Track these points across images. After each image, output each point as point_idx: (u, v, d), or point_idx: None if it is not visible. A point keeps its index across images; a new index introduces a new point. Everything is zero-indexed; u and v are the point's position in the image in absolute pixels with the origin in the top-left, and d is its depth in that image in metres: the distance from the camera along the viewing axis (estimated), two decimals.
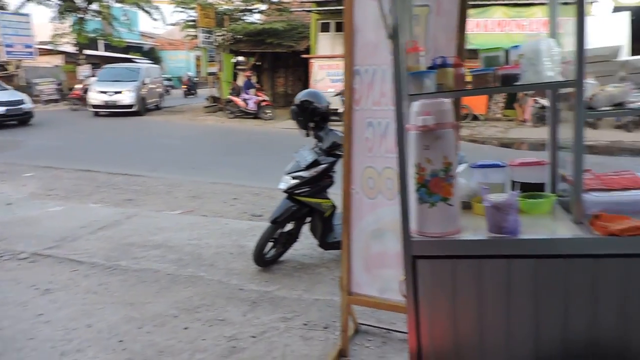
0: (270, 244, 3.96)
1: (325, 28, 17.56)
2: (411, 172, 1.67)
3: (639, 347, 1.54)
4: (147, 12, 25.03)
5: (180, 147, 11.32)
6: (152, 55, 32.62)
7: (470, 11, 14.13)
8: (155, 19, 28.52)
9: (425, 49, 2.10)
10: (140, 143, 11.98)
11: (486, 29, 14.13)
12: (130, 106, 17.50)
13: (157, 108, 19.94)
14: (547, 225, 1.70)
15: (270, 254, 3.99)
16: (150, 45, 36.04)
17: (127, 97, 17.43)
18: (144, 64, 21.63)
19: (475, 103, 14.17)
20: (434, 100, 1.67)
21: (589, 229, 1.57)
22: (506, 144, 11.64)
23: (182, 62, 37.60)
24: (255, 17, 22.02)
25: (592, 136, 12.05)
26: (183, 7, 21.17)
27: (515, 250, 1.58)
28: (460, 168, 2.16)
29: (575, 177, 1.61)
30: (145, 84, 18.65)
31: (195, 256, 4.27)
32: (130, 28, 27.39)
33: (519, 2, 13.72)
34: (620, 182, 1.79)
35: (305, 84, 16.24)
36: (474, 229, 1.69)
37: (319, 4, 17.08)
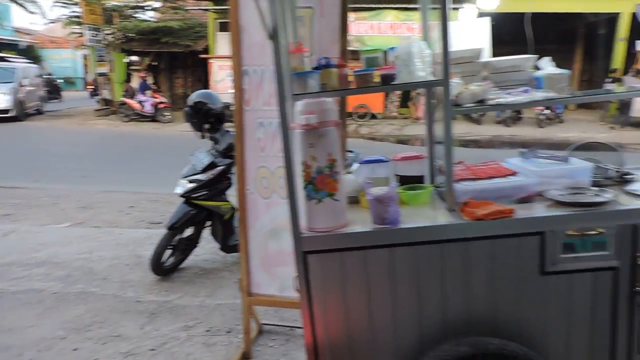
0: (168, 252, 3.80)
1: (223, 27, 17.20)
2: (298, 170, 1.71)
3: (507, 318, 1.72)
4: (20, 5, 22.57)
5: (68, 155, 10.41)
6: (30, 53, 29.40)
7: (364, 14, 14.79)
8: (32, 13, 25.55)
9: (310, 49, 2.16)
10: (20, 152, 10.81)
11: (380, 31, 14.83)
12: (5, 111, 15.71)
13: (39, 112, 18.11)
14: (425, 214, 1.83)
15: (169, 262, 3.83)
16: (28, 42, 32.59)
17: (1, 100, 15.63)
18: (20, 63, 19.43)
19: (373, 102, 14.82)
20: (317, 99, 1.72)
21: (460, 215, 1.73)
22: (402, 141, 12.32)
23: (67, 61, 34.49)
24: (149, 15, 20.95)
25: (476, 131, 13.25)
26: (64, 2, 19.47)
27: (396, 239, 1.68)
28: (356, 166, 2.26)
29: (446, 168, 1.75)
30: (23, 86, 16.84)
31: (86, 271, 3.96)
32: (0, 23, 24.55)
33: (408, 6, 14.54)
34: (487, 172, 1.98)
35: (206, 85, 15.81)
36: (361, 222, 1.77)
37: (215, 2, 16.70)
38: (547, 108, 13.40)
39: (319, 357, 1.79)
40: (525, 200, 1.80)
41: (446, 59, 1.66)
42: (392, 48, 1.91)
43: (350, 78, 1.96)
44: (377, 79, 1.92)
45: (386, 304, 1.73)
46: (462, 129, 13.45)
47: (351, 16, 14.58)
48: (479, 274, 1.70)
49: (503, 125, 13.92)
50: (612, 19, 14.93)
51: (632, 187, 1.84)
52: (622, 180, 1.91)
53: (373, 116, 14.96)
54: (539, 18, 14.56)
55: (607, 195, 1.70)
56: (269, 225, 2.50)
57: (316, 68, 1.91)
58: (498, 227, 1.65)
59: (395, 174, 2.13)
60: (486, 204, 1.72)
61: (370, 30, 14.65)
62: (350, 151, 3.94)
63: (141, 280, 3.77)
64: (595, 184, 1.87)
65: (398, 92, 14.87)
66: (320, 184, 1.69)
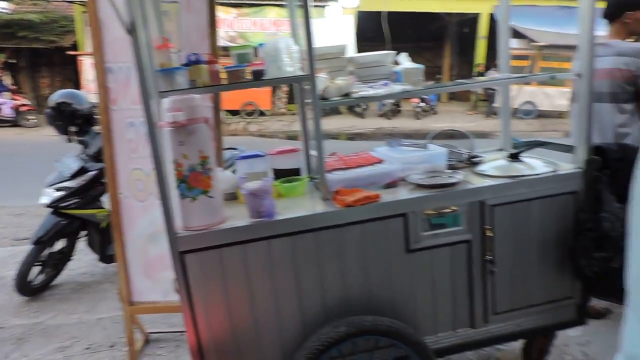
0: (37, 269, 3.44)
1: None
2: (170, 169, 1.66)
3: (379, 296, 1.86)
4: None
5: None
6: None
7: (247, 10, 14.68)
8: None
9: (178, 46, 2.10)
10: None
11: (263, 28, 14.83)
12: None
13: None
14: (302, 205, 1.90)
15: (38, 280, 3.48)
16: None
17: None
18: None
19: (261, 99, 14.81)
20: (185, 96, 1.69)
21: (333, 203, 1.82)
22: (292, 137, 12.50)
23: None
24: (1, 6, 18.55)
25: (361, 125, 13.92)
26: None
27: (273, 231, 1.71)
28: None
29: (318, 160, 1.83)
30: None
31: None
32: None
33: (283, 3, 14.73)
34: (357, 161, 2.10)
35: (77, 84, 14.49)
36: (239, 217, 1.78)
37: None
38: (422, 101, 14.55)
39: (204, 358, 1.77)
40: (391, 185, 1.95)
41: (311, 55, 1.72)
42: (261, 44, 1.94)
43: (223, 74, 1.95)
44: (249, 75, 1.94)
45: (268, 296, 1.77)
46: (347, 122, 14.05)
47: (233, 12, 14.39)
48: (353, 257, 1.81)
49: (385, 118, 14.81)
50: (474, 19, 16.65)
51: (480, 168, 2.08)
52: (473, 162, 2.16)
53: (262, 113, 14.96)
54: (411, 17, 15.73)
55: (459, 176, 1.91)
56: (148, 229, 2.39)
57: (185, 64, 1.87)
58: (366, 212, 1.76)
59: (273, 168, 2.17)
60: (355, 191, 1.83)
61: (253, 26, 14.59)
62: (235, 148, 3.92)
63: (4, 303, 3.37)
64: (450, 167, 2.09)
65: (285, 89, 15.03)
66: (194, 181, 1.66)
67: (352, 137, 12.21)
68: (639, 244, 0.52)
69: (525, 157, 2.10)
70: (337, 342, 1.72)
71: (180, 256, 1.66)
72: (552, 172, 1.94)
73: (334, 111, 15.26)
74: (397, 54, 2.18)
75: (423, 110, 14.74)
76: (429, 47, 18.98)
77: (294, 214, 1.77)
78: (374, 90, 1.87)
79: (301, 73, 1.86)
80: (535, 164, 2.02)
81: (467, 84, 2.03)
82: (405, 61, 2.12)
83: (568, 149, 2.06)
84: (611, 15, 2.70)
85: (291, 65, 1.88)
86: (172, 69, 1.76)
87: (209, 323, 1.75)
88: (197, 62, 1.87)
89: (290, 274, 1.76)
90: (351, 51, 2.26)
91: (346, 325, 1.73)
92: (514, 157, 2.05)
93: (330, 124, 13.55)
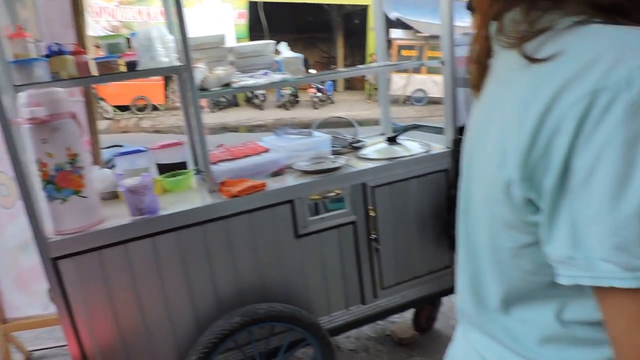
0: None
1: None
2: (33, 169, 1.53)
3: (272, 283, 1.88)
4: None
5: None
6: None
7: None
8: None
9: (36, 34, 1.92)
10: None
11: (150, 17, 14.04)
12: None
13: None
14: (188, 198, 1.85)
15: None
16: None
17: None
18: None
19: (153, 93, 14.06)
20: (46, 89, 1.55)
21: (219, 195, 1.80)
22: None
23: None
24: None
25: (260, 116, 13.84)
26: None
27: (157, 228, 1.66)
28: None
29: (201, 152, 1.80)
30: None
31: None
32: None
33: None
34: (244, 152, 2.09)
35: None
36: (120, 216, 1.69)
37: None
38: (319, 91, 14.85)
39: None
40: (278, 173, 1.98)
41: (185, 44, 1.68)
42: (134, 34, 1.84)
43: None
44: (122, 67, 1.84)
45: (156, 295, 1.71)
46: (246, 115, 13.90)
47: (115, 0, 13.45)
48: (243, 247, 1.81)
49: (283, 108, 14.88)
50: (364, 10, 17.28)
51: (362, 152, 2.19)
52: (355, 147, 2.26)
53: (155, 107, 14.22)
54: (304, 8, 15.91)
55: (341, 161, 1.99)
56: (17, 238, 2.17)
57: (46, 55, 1.73)
58: (253, 201, 1.77)
59: (157, 163, 2.08)
60: (242, 182, 1.83)
61: (138, 16, 13.75)
62: (120, 146, 3.69)
63: None
64: (335, 152, 2.17)
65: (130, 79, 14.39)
66: (62, 181, 1.54)
67: (252, 129, 12.11)
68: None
69: (403, 140, 2.25)
70: (231, 333, 1.71)
71: (53, 263, 1.54)
72: (425, 152, 2.10)
73: (232, 104, 15.00)
74: (277, 43, 2.20)
75: (320, 100, 15.05)
76: (323, 38, 19.38)
77: (178, 208, 1.73)
78: (254, 80, 1.87)
79: (178, 63, 1.81)
80: (411, 146, 2.17)
81: (345, 72, 2.12)
82: (285, 50, 2.14)
83: (440, 130, 2.24)
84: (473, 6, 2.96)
85: (166, 55, 1.81)
86: (29, 60, 1.62)
87: (93, 332, 1.65)
88: (60, 52, 1.73)
89: (179, 271, 1.72)
90: (231, 41, 2.23)
91: (240, 316, 1.73)
92: (392, 141, 2.18)
93: (228, 116, 13.31)
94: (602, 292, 0.41)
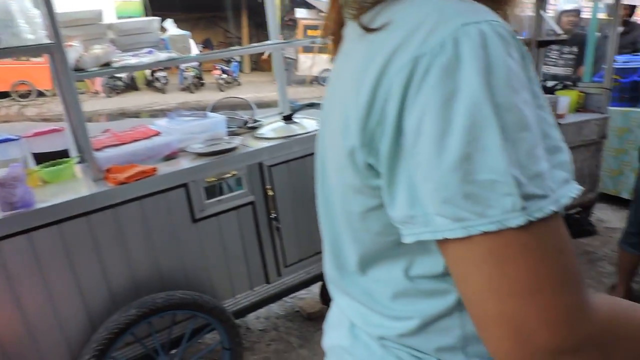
0: None
1: None
2: None
3: (171, 271, 1.82)
4: None
5: None
6: None
7: None
8: None
9: None
10: None
11: None
12: None
13: None
14: (70, 189, 1.71)
15: None
16: None
17: None
18: None
19: (37, 77, 12.74)
20: None
21: (105, 182, 1.69)
22: (88, 118, 11.16)
23: None
24: None
25: (163, 100, 13.17)
26: None
27: (33, 222, 1.52)
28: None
29: (81, 139, 1.67)
30: None
31: None
32: None
33: None
34: (133, 136, 1.98)
35: None
36: None
37: None
38: (224, 72, 14.45)
39: None
40: (171, 157, 1.90)
41: (53, 19, 1.53)
42: None
43: None
44: None
45: (39, 296, 1.57)
46: (147, 99, 13.16)
47: None
48: (135, 236, 1.72)
49: (188, 91, 14.29)
50: None
51: (259, 132, 2.17)
52: (252, 127, 2.23)
53: (40, 93, 12.92)
54: None
55: (237, 141, 1.96)
56: None
57: None
58: (143, 187, 1.69)
59: (33, 152, 1.90)
60: (130, 167, 1.73)
61: None
62: None
63: None
64: (231, 133, 2.13)
65: None
66: None
67: (155, 114, 11.49)
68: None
69: (300, 118, 2.26)
70: (128, 327, 1.64)
71: None
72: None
73: (131, 87, 14.09)
74: (163, 20, 2.08)
75: (226, 82, 14.66)
76: (227, 17, 18.81)
77: (59, 199, 1.59)
78: (137, 59, 1.77)
79: (47, 41, 1.64)
80: (307, 124, 2.20)
81: (237, 50, 2.08)
82: (172, 28, 2.04)
83: None
84: None
85: (32, 32, 1.64)
86: None
87: None
88: None
89: (64, 266, 1.60)
90: (111, 17, 2.07)
91: (136, 307, 1.66)
92: (288, 119, 2.19)
93: (127, 101, 12.50)
94: (442, 245, 0.44)
